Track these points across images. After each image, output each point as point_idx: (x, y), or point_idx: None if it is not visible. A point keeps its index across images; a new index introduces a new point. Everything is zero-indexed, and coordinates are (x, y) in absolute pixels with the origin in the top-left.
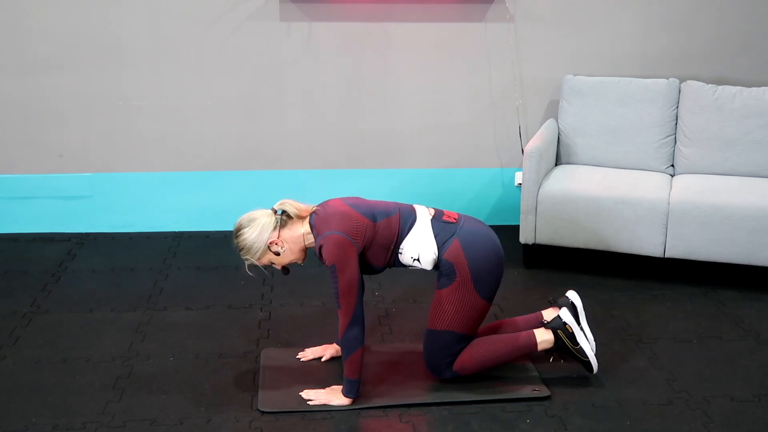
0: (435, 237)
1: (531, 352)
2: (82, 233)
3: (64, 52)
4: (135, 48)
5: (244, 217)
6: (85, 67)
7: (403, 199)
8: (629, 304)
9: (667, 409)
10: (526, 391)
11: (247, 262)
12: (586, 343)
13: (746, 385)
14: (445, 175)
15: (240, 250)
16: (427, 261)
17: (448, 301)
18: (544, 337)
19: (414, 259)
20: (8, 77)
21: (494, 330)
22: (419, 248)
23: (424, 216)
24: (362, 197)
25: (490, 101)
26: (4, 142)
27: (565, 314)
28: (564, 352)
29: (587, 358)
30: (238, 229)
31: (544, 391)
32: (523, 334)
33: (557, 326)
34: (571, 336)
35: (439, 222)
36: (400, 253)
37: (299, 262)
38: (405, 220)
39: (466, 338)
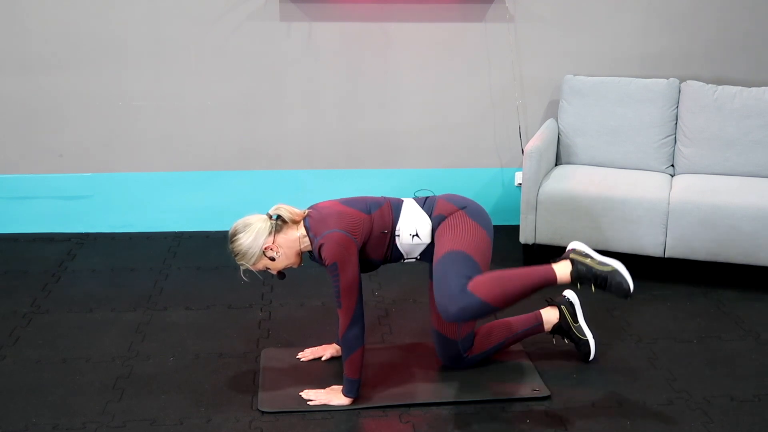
0: (423, 208)
1: (547, 283)
2: (82, 233)
3: (64, 52)
4: (135, 48)
5: (239, 223)
6: (85, 67)
7: None
8: (629, 304)
9: (667, 409)
10: (526, 391)
11: (242, 268)
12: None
13: (746, 385)
14: (445, 175)
15: (235, 256)
16: (425, 233)
17: (444, 233)
18: (563, 270)
19: (413, 236)
20: (8, 77)
21: (490, 330)
22: (415, 223)
23: (407, 200)
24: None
25: (490, 101)
26: (4, 142)
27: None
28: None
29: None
30: (233, 235)
31: (544, 391)
32: (541, 268)
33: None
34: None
35: (420, 199)
36: (398, 236)
37: (295, 266)
38: (395, 207)
39: (472, 261)
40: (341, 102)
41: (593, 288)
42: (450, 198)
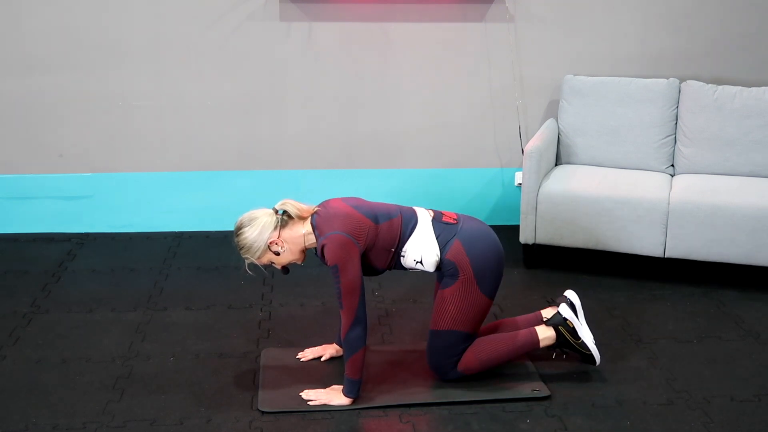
0: (437, 238)
1: (533, 349)
2: (82, 233)
3: (64, 52)
4: (135, 48)
5: (245, 216)
6: (85, 67)
7: (402, 200)
8: (629, 304)
9: (667, 409)
10: (526, 391)
11: (246, 261)
12: (588, 336)
13: (746, 385)
14: (445, 175)
15: (240, 249)
16: (429, 263)
17: (451, 300)
18: (545, 334)
19: (417, 262)
20: (8, 77)
21: (494, 330)
22: (422, 251)
23: (424, 218)
24: (362, 198)
25: (490, 101)
26: (4, 142)
27: (564, 310)
28: (566, 347)
29: (590, 351)
30: (239, 228)
31: (544, 391)
32: (524, 332)
33: (558, 322)
34: (572, 331)
35: (439, 223)
36: (403, 256)
37: (298, 262)
38: (406, 223)
39: (469, 337)
40: (341, 102)
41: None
42: (466, 243)
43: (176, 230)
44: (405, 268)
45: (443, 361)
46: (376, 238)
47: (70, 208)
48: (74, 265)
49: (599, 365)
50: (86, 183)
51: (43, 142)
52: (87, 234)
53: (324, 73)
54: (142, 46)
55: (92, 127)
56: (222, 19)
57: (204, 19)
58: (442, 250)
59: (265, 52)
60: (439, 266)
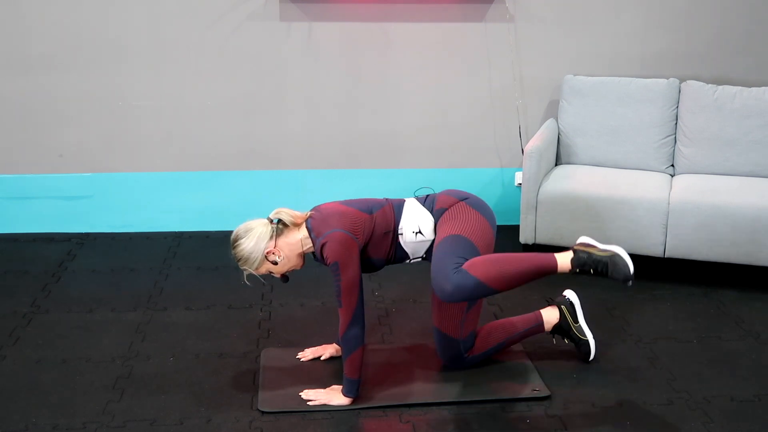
0: (425, 206)
1: (548, 269)
2: (82, 233)
3: (64, 52)
4: (135, 48)
5: (240, 228)
6: (85, 67)
7: None
8: (629, 304)
9: (667, 409)
10: (526, 391)
11: (245, 273)
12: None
13: (746, 385)
14: (445, 175)
15: (238, 261)
16: (428, 230)
17: (445, 222)
18: (564, 258)
19: (416, 233)
20: (8, 77)
21: (490, 330)
22: (417, 221)
23: (409, 199)
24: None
25: (490, 101)
26: (4, 142)
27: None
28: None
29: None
30: (235, 240)
31: (544, 391)
32: (543, 254)
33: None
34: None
35: (422, 198)
36: (401, 234)
37: (297, 268)
38: (397, 207)
39: (471, 245)
40: (341, 102)
41: (592, 272)
42: (450, 192)
43: (176, 230)
44: (407, 255)
45: (446, 263)
46: (373, 228)
47: (70, 208)
48: (74, 265)
49: (599, 365)
50: (86, 183)
51: (43, 142)
52: (87, 234)
53: (324, 73)
54: (142, 46)
55: (92, 127)
56: (222, 19)
57: (204, 19)
58: (433, 213)
59: (265, 52)
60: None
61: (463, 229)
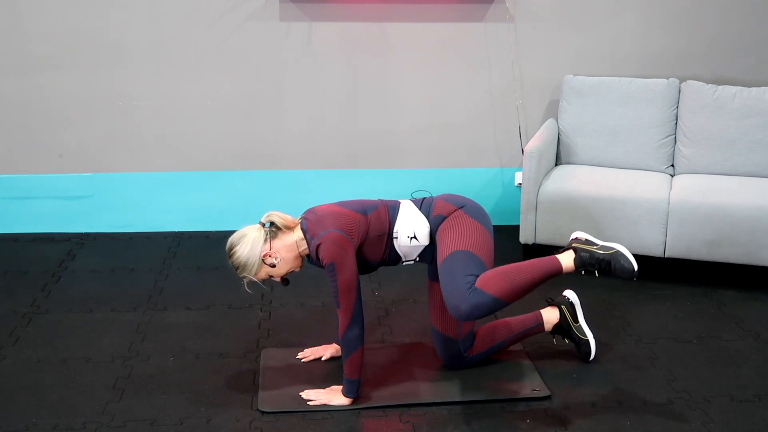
0: (421, 210)
1: (554, 273)
2: (82, 233)
3: (63, 52)
4: (135, 48)
5: (234, 236)
6: (85, 67)
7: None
8: (629, 304)
9: (667, 409)
10: (526, 391)
11: (245, 280)
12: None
13: (746, 385)
14: (445, 175)
15: (236, 270)
16: (423, 235)
17: (445, 233)
18: (567, 260)
19: (411, 238)
20: (8, 77)
21: (490, 330)
22: (413, 225)
23: (405, 202)
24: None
25: (490, 101)
26: (4, 142)
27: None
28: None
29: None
30: (230, 249)
31: (544, 391)
32: (547, 259)
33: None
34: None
35: (418, 201)
36: (396, 238)
37: (296, 269)
38: (392, 209)
39: (478, 260)
40: (341, 102)
41: (596, 274)
42: (448, 198)
43: (176, 230)
44: (400, 257)
45: (459, 284)
46: (368, 229)
47: (70, 208)
48: (74, 265)
49: (599, 365)
50: (86, 183)
51: (43, 142)
52: (87, 234)
53: (324, 73)
54: (142, 46)
55: (92, 127)
56: (222, 19)
57: (204, 19)
58: (429, 218)
59: (265, 52)
60: (432, 234)
61: (466, 243)
